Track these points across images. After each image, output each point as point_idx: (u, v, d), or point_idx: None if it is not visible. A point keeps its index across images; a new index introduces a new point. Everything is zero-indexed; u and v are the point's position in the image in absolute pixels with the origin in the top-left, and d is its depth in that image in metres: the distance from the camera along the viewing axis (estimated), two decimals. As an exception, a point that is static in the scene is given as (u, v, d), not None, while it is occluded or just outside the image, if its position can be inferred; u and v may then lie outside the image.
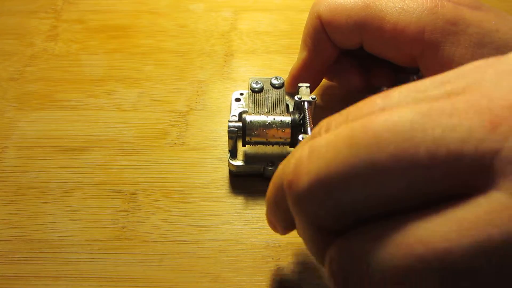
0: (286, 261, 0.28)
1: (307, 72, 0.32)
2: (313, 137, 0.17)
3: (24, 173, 0.32)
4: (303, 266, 0.27)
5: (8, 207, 0.30)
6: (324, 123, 0.17)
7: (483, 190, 0.13)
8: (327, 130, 0.17)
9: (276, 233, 0.23)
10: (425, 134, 0.14)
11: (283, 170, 0.18)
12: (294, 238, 0.29)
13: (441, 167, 0.13)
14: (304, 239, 0.18)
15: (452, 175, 0.13)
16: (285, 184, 0.17)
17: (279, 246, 0.28)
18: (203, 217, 0.30)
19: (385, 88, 0.32)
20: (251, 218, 0.30)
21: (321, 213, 0.15)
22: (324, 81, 0.35)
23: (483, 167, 0.13)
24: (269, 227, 0.29)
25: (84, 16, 0.44)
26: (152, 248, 0.28)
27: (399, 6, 0.27)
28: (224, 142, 0.34)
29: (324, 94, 0.37)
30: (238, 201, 0.30)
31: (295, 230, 0.22)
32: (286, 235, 0.28)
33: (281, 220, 0.21)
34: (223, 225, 0.29)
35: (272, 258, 0.28)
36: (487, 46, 0.25)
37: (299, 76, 0.33)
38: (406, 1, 0.27)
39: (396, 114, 0.14)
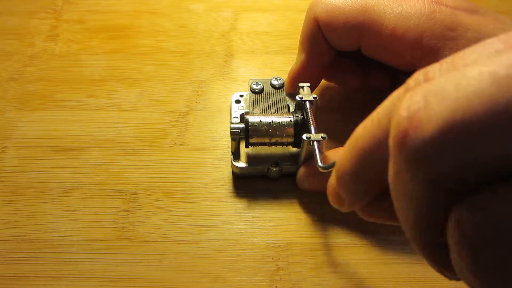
0: (286, 261, 0.28)
1: (306, 73, 0.33)
2: (408, 89, 0.14)
3: (24, 173, 0.32)
4: (303, 266, 0.27)
5: (9, 207, 0.30)
6: (420, 73, 0.14)
7: None
8: (427, 80, 0.14)
9: (340, 208, 0.20)
10: None
11: (380, 125, 0.15)
12: (294, 238, 0.29)
13: None
14: (407, 204, 0.15)
15: None
16: (394, 136, 0.14)
17: (279, 246, 0.28)
18: (203, 217, 0.30)
19: None
20: (251, 218, 0.30)
21: (451, 169, 0.12)
22: (323, 81, 0.35)
23: None
24: (269, 226, 0.29)
25: (84, 16, 0.44)
26: (152, 248, 0.28)
27: (397, 11, 0.27)
28: (224, 142, 0.34)
29: (324, 94, 0.37)
30: (238, 201, 0.30)
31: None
32: (286, 236, 0.29)
33: (358, 190, 0.18)
34: (223, 225, 0.29)
35: (272, 258, 0.28)
36: None
37: (298, 77, 0.33)
38: (404, 6, 0.27)
39: None
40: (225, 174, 0.32)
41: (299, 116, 0.30)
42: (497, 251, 0.12)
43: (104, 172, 0.32)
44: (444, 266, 0.15)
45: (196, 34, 0.42)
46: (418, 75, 0.14)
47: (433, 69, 0.14)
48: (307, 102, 0.30)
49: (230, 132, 0.29)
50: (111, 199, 0.30)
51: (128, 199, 0.30)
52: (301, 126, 0.29)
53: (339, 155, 0.19)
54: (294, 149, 0.31)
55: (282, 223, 0.29)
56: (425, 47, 0.27)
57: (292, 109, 0.32)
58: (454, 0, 0.27)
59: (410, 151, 0.13)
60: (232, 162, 0.31)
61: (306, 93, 0.31)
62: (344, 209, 0.20)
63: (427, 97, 0.13)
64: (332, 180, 0.20)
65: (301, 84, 0.32)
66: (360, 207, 0.20)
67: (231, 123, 0.30)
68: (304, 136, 0.28)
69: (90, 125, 0.35)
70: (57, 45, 0.41)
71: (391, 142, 0.14)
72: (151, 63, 0.40)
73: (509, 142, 0.12)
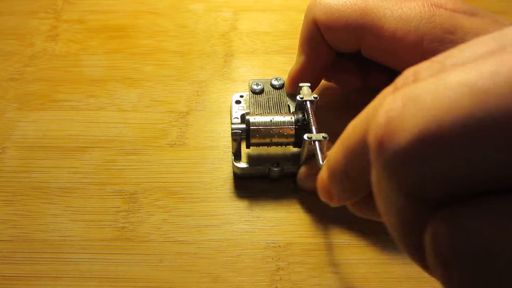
0: (286, 261, 0.28)
1: (305, 74, 0.33)
2: (396, 88, 0.14)
3: (24, 173, 0.32)
4: (303, 266, 0.27)
5: (9, 207, 0.30)
6: (410, 72, 0.14)
7: None
8: (416, 80, 0.14)
9: (329, 203, 0.20)
10: None
11: (367, 125, 0.15)
12: (294, 238, 0.29)
13: None
14: (387, 209, 0.15)
15: None
16: (372, 142, 0.14)
17: (279, 246, 0.28)
18: (203, 217, 0.30)
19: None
20: (251, 218, 0.30)
21: (424, 178, 0.12)
22: (323, 81, 0.35)
23: None
24: (269, 226, 0.29)
25: (84, 16, 0.44)
26: (152, 248, 0.28)
27: (397, 14, 0.27)
28: (224, 142, 0.34)
29: (324, 94, 0.37)
30: (238, 201, 0.30)
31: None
32: (286, 236, 0.29)
33: (349, 188, 0.18)
34: (223, 225, 0.29)
35: (272, 258, 0.28)
36: None
37: (298, 78, 0.33)
38: (404, 9, 0.27)
39: None
40: (225, 174, 0.32)
41: (300, 116, 0.30)
42: (469, 272, 0.12)
43: (104, 172, 0.32)
44: (428, 268, 0.14)
45: (196, 34, 0.42)
46: (408, 73, 0.14)
47: (422, 68, 0.14)
48: (308, 102, 0.30)
49: (231, 133, 0.29)
50: (111, 199, 0.30)
51: (128, 199, 0.30)
52: (302, 126, 0.29)
53: (331, 151, 0.18)
54: (295, 149, 0.31)
55: (282, 223, 0.29)
56: (425, 51, 0.27)
57: (292, 109, 0.33)
58: (454, 3, 0.27)
59: (385, 159, 0.13)
60: (233, 163, 0.31)
61: (306, 93, 0.31)
62: (334, 204, 0.20)
63: (406, 104, 0.13)
64: (323, 175, 0.20)
65: (301, 84, 0.32)
66: (350, 203, 0.20)
67: (232, 123, 0.30)
68: (305, 136, 0.28)
69: (90, 125, 0.35)
70: (57, 45, 0.41)
71: (370, 147, 0.14)
72: (151, 63, 0.40)
73: (481, 159, 0.11)
